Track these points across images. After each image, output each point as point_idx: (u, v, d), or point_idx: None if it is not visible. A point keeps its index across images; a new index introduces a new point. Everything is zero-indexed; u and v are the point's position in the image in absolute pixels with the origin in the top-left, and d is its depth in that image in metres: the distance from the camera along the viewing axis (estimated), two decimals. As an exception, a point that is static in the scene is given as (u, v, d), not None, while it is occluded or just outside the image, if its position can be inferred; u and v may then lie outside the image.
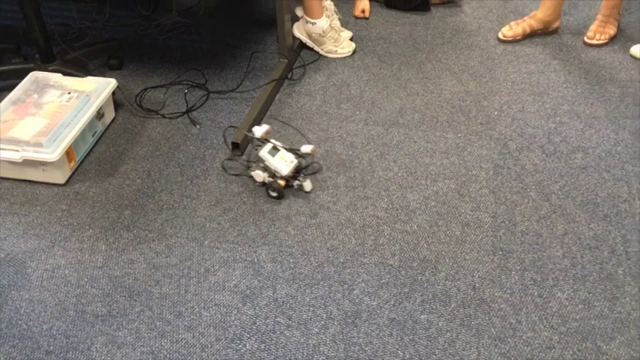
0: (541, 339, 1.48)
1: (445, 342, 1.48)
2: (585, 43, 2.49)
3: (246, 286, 1.62)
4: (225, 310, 1.56)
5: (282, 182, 1.86)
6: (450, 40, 2.56)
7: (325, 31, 2.43)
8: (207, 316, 1.55)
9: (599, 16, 2.50)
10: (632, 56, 2.39)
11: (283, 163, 1.86)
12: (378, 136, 2.10)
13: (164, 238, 1.76)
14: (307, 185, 1.88)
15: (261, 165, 1.89)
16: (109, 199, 1.88)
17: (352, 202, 1.86)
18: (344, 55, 2.50)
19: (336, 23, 2.51)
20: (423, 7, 2.77)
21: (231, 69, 2.44)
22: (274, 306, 1.57)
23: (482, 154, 2.02)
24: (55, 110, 1.99)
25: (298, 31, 2.50)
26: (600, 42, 2.48)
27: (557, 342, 1.48)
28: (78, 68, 2.26)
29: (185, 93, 2.30)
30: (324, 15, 2.42)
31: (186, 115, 2.21)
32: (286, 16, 2.30)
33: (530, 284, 1.61)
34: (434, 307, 1.56)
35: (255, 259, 1.69)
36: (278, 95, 2.30)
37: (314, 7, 2.38)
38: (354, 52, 2.51)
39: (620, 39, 2.52)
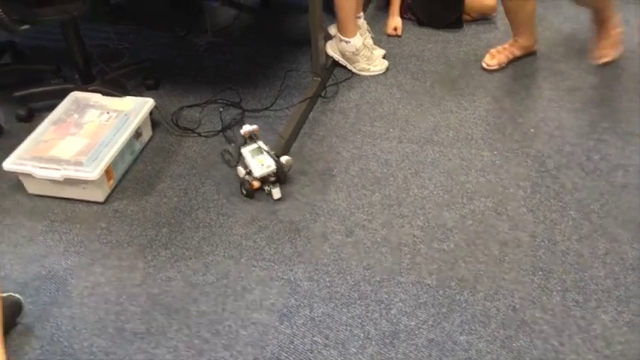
0: (585, 362, 1.45)
1: (486, 364, 1.46)
2: (600, 63, 2.40)
3: (283, 304, 1.62)
4: (262, 328, 1.56)
5: (256, 183, 1.90)
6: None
7: (359, 49, 2.44)
8: (244, 334, 1.55)
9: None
10: None
11: (259, 165, 1.89)
12: (413, 154, 2.09)
13: (201, 256, 1.77)
14: (276, 193, 1.92)
15: (243, 161, 1.95)
16: (147, 217, 1.91)
17: (388, 220, 1.85)
18: (377, 73, 2.50)
19: (369, 41, 2.53)
20: (456, 24, 2.76)
21: (265, 88, 2.46)
22: (311, 325, 1.57)
23: (519, 172, 1.99)
24: (95, 130, 2.03)
25: (331, 49, 2.51)
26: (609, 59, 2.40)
27: (602, 365, 1.44)
28: (116, 88, 2.30)
29: (220, 112, 2.33)
30: (358, 33, 2.43)
31: (221, 133, 2.23)
32: (320, 34, 2.32)
33: (573, 305, 1.57)
34: (473, 328, 1.54)
35: (292, 278, 1.69)
36: (312, 113, 2.31)
37: (348, 25, 2.40)
38: (387, 69, 2.52)
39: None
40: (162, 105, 2.38)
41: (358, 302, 1.62)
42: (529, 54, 2.52)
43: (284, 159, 1.95)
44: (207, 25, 2.80)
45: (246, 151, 1.94)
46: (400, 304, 1.61)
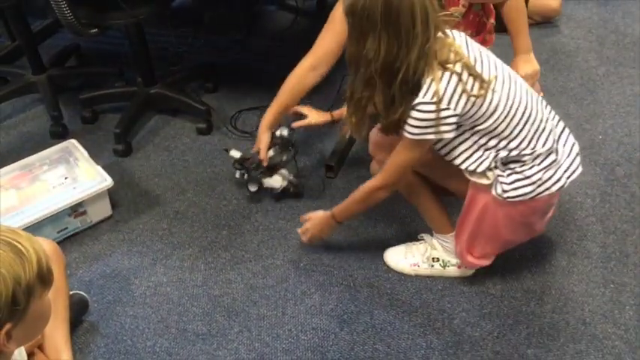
0: (661, 381, 1.38)
1: (555, 379, 1.40)
2: None
3: (343, 310, 1.60)
4: (322, 334, 1.55)
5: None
6: (548, 61, 2.47)
7: None
8: (304, 339, 1.54)
9: None
10: None
11: (277, 178, 1.91)
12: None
13: (260, 259, 1.77)
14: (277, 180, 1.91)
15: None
16: (207, 219, 1.92)
17: (449, 227, 1.81)
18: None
19: None
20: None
21: (322, 92, 2.44)
22: (372, 332, 1.54)
23: (586, 180, 1.92)
24: (38, 192, 1.83)
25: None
26: None
27: (680, 385, 1.37)
28: (178, 92, 2.34)
29: (278, 115, 2.33)
30: None
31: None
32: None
33: (647, 321, 1.50)
34: (541, 340, 1.48)
35: (352, 284, 1.68)
36: (370, 118, 2.29)
37: None
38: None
39: None
40: (220, 108, 2.40)
41: (420, 310, 1.59)
42: None
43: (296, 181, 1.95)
44: (266, 29, 2.82)
45: (273, 150, 1.92)
46: (464, 313, 1.57)
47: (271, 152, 1.90)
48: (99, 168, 1.93)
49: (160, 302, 1.66)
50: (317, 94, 2.44)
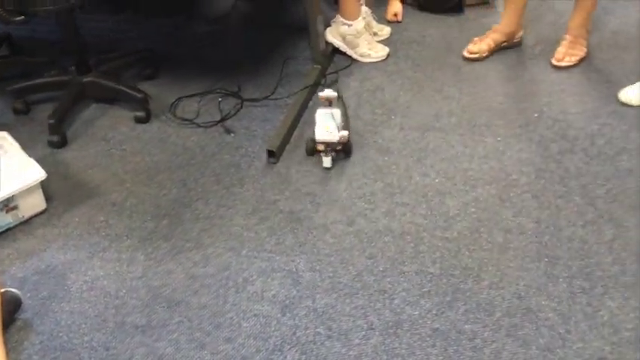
0: (592, 349, 1.42)
1: (491, 353, 1.43)
2: (553, 66, 2.33)
3: (285, 296, 1.60)
4: (264, 320, 1.54)
5: (320, 146, 1.95)
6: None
7: (360, 32, 2.41)
8: (246, 326, 1.53)
9: (567, 37, 2.34)
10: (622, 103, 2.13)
11: (323, 130, 1.92)
12: (414, 142, 2.06)
13: (201, 248, 1.75)
14: (326, 161, 1.96)
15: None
16: (146, 209, 1.88)
17: (390, 209, 1.82)
18: (378, 60, 2.47)
19: (373, 23, 2.52)
20: (457, 8, 2.72)
21: (264, 76, 2.43)
22: (314, 316, 1.55)
23: (522, 157, 1.96)
24: None
25: (331, 35, 2.48)
26: (570, 64, 2.32)
27: (609, 352, 1.41)
28: (114, 80, 2.27)
29: (219, 102, 2.30)
30: (360, 16, 2.40)
31: (220, 124, 2.20)
32: (318, 17, 2.28)
33: (579, 292, 1.55)
34: (478, 316, 1.51)
35: (294, 269, 1.67)
36: (312, 102, 2.28)
37: (349, 7, 2.36)
38: (388, 55, 2.48)
39: None
40: (160, 95, 2.35)
41: (361, 292, 1.60)
42: (514, 44, 2.46)
43: (342, 133, 1.95)
44: (205, 13, 2.77)
45: (319, 113, 1.93)
46: (403, 293, 1.59)
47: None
48: (31, 160, 1.87)
49: (97, 296, 1.63)
50: (261, 77, 2.43)
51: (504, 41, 2.44)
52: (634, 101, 2.12)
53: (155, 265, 1.71)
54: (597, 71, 2.31)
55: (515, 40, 2.46)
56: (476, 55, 2.42)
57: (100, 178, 2.00)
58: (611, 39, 2.49)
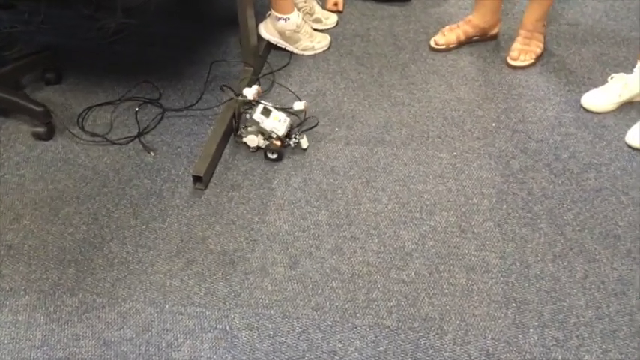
0: (571, 417, 1.26)
1: None
2: (509, 65, 2.13)
3: (218, 363, 1.35)
4: (193, 398, 1.30)
5: (278, 143, 1.79)
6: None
7: (299, 26, 2.14)
8: (171, 408, 1.28)
9: (522, 32, 2.14)
10: (628, 146, 1.85)
11: (278, 123, 1.79)
12: (362, 159, 1.82)
13: (116, 304, 1.47)
14: (304, 142, 1.83)
15: (254, 129, 1.80)
16: (49, 254, 1.58)
17: (338, 244, 1.59)
18: (321, 50, 2.21)
19: (317, 9, 2.32)
20: (403, -3, 2.48)
21: (188, 79, 2.12)
22: (253, 389, 1.31)
23: (482, 176, 1.76)
24: None
25: (266, 31, 2.19)
26: (526, 63, 2.13)
27: (590, 420, 1.25)
28: (7, 88, 1.91)
29: (136, 112, 1.98)
30: (295, 9, 2.12)
31: (138, 139, 1.89)
32: (249, 11, 1.98)
33: (553, 345, 1.37)
34: (442, 380, 1.32)
35: (227, 327, 1.42)
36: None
37: (284, 1, 2.08)
38: (330, 45, 2.23)
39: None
40: (65, 104, 2.01)
41: (307, 355, 1.37)
42: (489, 38, 2.26)
43: (298, 105, 1.85)
44: (116, 2, 2.40)
45: (258, 115, 1.77)
46: (357, 354, 1.37)
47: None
48: None
49: (-15, 377, 1.33)
50: (185, 80, 2.12)
51: (476, 36, 2.22)
52: (595, 108, 1.96)
53: (59, 330, 1.42)
54: (556, 71, 2.12)
55: (489, 36, 2.24)
56: (442, 47, 2.20)
57: (-10, 215, 1.67)
58: (568, 32, 2.31)
